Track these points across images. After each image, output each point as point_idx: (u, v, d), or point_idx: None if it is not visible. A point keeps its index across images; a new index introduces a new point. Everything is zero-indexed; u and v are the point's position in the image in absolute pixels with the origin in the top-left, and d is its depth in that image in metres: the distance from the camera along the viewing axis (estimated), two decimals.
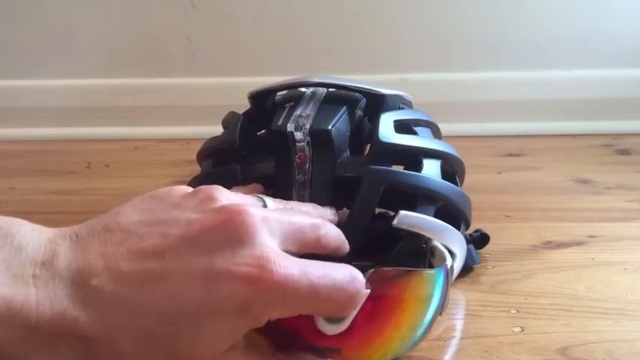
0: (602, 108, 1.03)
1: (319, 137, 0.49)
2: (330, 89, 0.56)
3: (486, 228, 0.59)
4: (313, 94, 0.54)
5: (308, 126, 0.49)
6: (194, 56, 1.04)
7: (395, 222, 0.49)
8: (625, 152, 0.93)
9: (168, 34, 1.04)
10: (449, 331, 0.50)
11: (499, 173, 0.85)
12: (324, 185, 0.49)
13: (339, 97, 0.54)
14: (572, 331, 0.48)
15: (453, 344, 0.48)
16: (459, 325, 0.51)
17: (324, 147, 0.49)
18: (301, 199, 0.49)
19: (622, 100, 1.03)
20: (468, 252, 0.57)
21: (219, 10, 1.02)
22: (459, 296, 0.54)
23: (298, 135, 0.49)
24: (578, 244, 0.63)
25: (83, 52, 1.09)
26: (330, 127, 0.49)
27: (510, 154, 0.94)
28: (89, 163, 0.95)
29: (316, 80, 0.56)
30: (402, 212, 0.49)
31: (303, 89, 0.56)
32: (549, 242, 0.63)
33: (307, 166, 0.49)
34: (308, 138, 0.49)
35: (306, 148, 0.49)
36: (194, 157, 0.60)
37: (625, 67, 1.03)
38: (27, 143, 1.07)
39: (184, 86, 1.07)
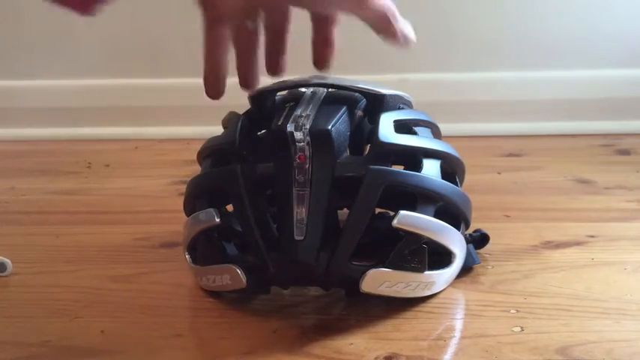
0: (602, 108, 1.03)
1: (319, 137, 0.49)
2: (330, 89, 0.55)
3: (486, 228, 0.60)
4: (313, 94, 0.54)
5: (308, 126, 0.49)
6: (194, 56, 1.04)
7: (395, 222, 0.49)
8: (625, 152, 0.93)
9: (169, 34, 1.05)
10: (449, 331, 0.50)
11: (499, 173, 0.85)
12: (324, 185, 0.49)
13: (339, 98, 0.54)
14: (572, 331, 0.48)
15: (453, 344, 0.48)
16: (459, 325, 0.51)
17: (324, 147, 0.49)
18: (301, 199, 0.49)
19: (622, 100, 1.03)
20: (468, 252, 0.57)
21: None
22: (459, 296, 0.54)
23: (298, 135, 0.49)
24: (578, 244, 0.63)
25: (83, 52, 1.09)
26: (329, 127, 0.49)
27: (510, 154, 0.94)
28: (89, 163, 0.95)
29: (316, 80, 0.56)
30: (402, 212, 0.49)
31: (303, 89, 0.56)
32: (549, 242, 0.63)
33: (307, 166, 0.49)
34: (308, 138, 0.49)
35: (306, 148, 0.49)
36: (194, 157, 0.60)
37: (625, 67, 1.03)
38: (27, 143, 1.07)
39: (184, 86, 1.07)
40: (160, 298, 0.56)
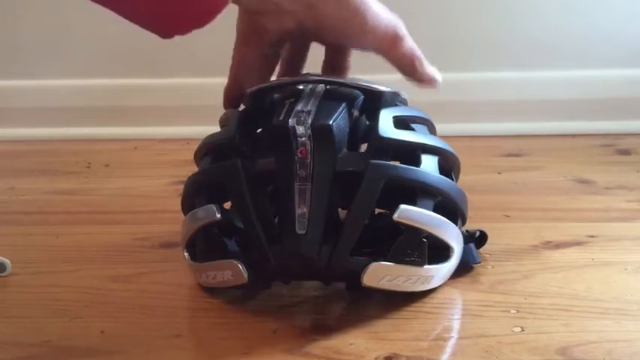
0: (602, 108, 1.03)
1: (321, 132, 0.49)
2: (329, 86, 0.55)
3: (486, 228, 0.59)
4: (312, 90, 0.54)
5: (309, 121, 0.49)
6: (194, 56, 1.04)
7: (395, 216, 0.49)
8: (625, 152, 0.93)
9: None
10: (449, 331, 0.50)
11: (499, 173, 0.85)
12: (326, 180, 0.49)
13: (338, 94, 0.54)
14: (572, 331, 0.48)
15: (453, 344, 0.48)
16: (458, 325, 0.51)
17: (326, 142, 0.49)
18: (303, 194, 0.49)
19: (622, 100, 1.03)
20: (469, 251, 0.57)
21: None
22: (459, 296, 0.54)
23: (300, 129, 0.49)
24: (578, 244, 0.63)
25: (83, 52, 1.09)
26: (331, 122, 0.50)
27: (510, 154, 0.94)
28: (89, 163, 0.95)
29: (315, 77, 0.56)
30: (403, 206, 0.50)
31: (301, 86, 0.56)
32: (549, 242, 0.63)
33: (309, 160, 0.49)
34: (309, 132, 0.49)
35: (308, 143, 0.49)
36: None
37: (625, 67, 1.03)
38: (27, 143, 1.07)
39: (184, 86, 1.07)
40: (159, 298, 0.56)
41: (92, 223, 0.73)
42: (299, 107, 0.51)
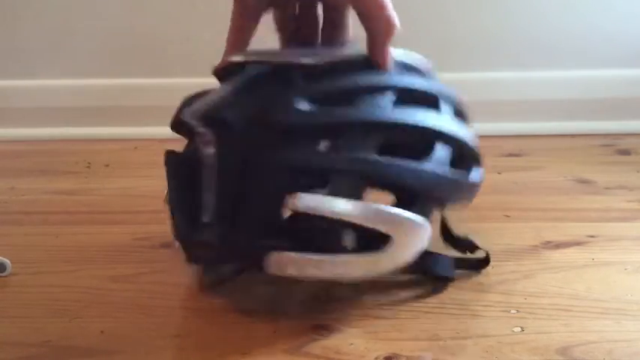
0: (602, 108, 1.03)
1: (217, 122, 0.50)
2: (271, 68, 0.52)
3: (486, 228, 0.60)
4: (247, 75, 0.52)
5: (205, 110, 0.51)
6: (194, 56, 1.04)
7: (292, 204, 0.47)
8: (625, 152, 0.93)
9: (168, 34, 1.04)
10: (449, 331, 0.50)
11: (499, 173, 0.85)
12: (231, 167, 0.49)
13: (277, 76, 0.51)
14: (572, 331, 0.48)
15: (453, 344, 0.48)
16: (458, 325, 0.51)
17: (225, 130, 0.49)
18: (208, 182, 0.49)
19: (622, 100, 1.03)
20: (442, 262, 0.56)
21: (220, 10, 1.02)
22: (459, 296, 0.54)
23: (194, 122, 0.51)
24: (578, 244, 0.63)
25: (83, 52, 1.09)
26: (226, 112, 0.50)
27: (510, 154, 0.94)
28: (89, 163, 0.95)
29: (254, 58, 0.53)
30: (301, 194, 0.47)
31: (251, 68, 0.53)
32: (549, 242, 0.63)
33: (211, 149, 0.49)
34: (203, 122, 0.50)
35: (207, 133, 0.50)
36: None
37: (625, 67, 1.03)
38: (27, 143, 1.07)
39: (184, 86, 1.07)
40: (159, 298, 0.56)
41: (92, 223, 0.73)
42: (210, 96, 0.52)
